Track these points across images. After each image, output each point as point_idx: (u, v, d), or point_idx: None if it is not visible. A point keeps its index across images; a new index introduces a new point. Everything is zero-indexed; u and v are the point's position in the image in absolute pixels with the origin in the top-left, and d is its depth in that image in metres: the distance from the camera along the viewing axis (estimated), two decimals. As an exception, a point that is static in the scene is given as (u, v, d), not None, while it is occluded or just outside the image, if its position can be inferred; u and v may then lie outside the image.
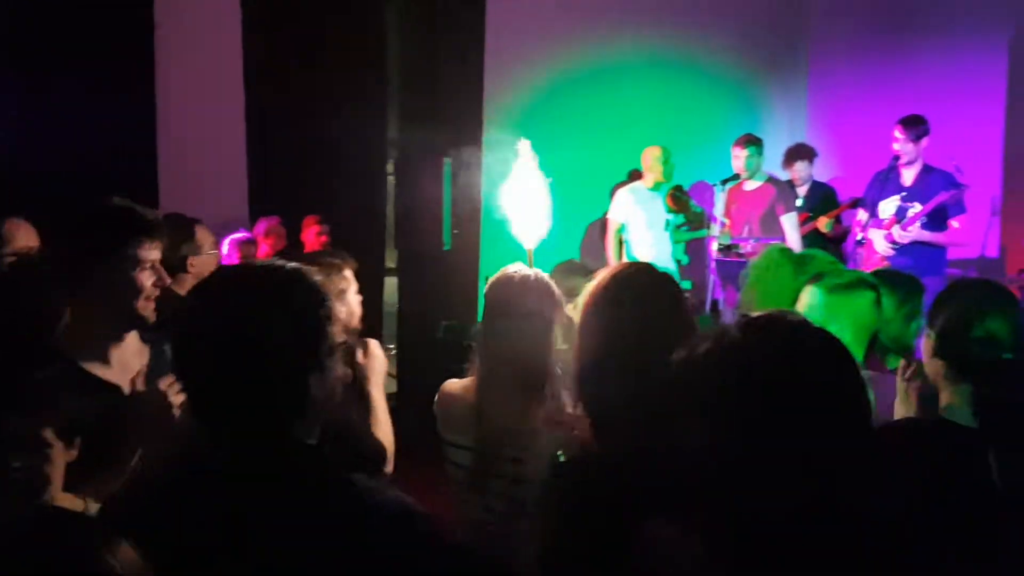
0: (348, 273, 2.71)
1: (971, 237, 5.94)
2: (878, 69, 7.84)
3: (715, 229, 5.73)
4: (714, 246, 5.63)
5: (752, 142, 6.11)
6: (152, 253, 2.10)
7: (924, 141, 5.51)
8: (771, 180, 6.25)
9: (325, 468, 1.42)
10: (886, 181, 5.59)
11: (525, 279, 2.26)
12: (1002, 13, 7.25)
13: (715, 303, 5.56)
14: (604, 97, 6.77)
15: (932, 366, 2.01)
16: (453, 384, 2.36)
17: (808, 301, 2.46)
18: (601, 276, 1.89)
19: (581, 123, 6.63)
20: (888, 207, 5.58)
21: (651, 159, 6.25)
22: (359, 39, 6.08)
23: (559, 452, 1.78)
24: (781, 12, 7.92)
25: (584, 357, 1.80)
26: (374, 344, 2.67)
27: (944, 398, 1.96)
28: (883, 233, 5.53)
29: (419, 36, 6.31)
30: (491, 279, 2.36)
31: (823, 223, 6.40)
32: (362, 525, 1.33)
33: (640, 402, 1.49)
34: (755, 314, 1.22)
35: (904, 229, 5.43)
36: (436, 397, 2.38)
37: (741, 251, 5.52)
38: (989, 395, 1.85)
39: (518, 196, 2.45)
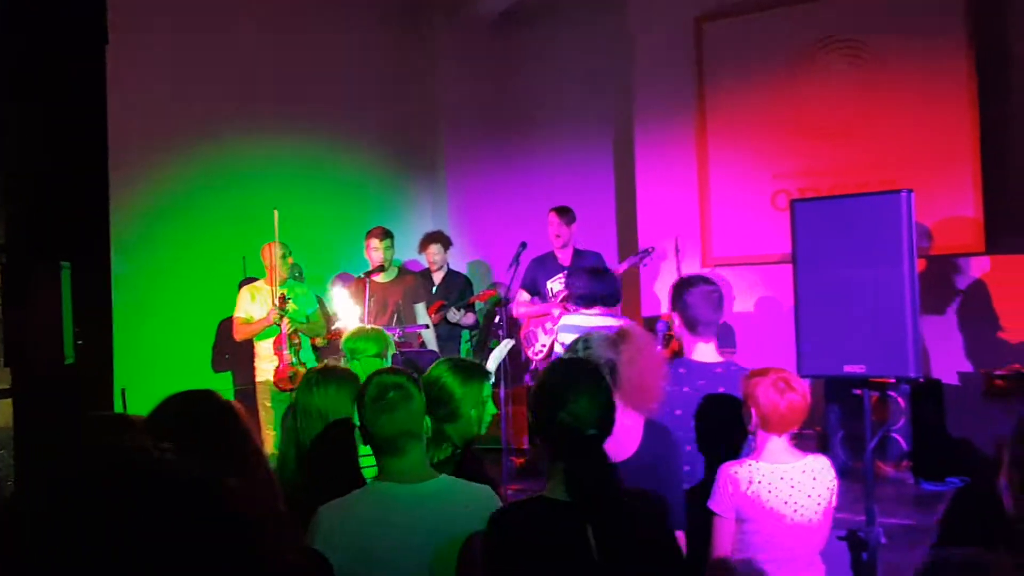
0: None
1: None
2: (503, 164, 8.51)
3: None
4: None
5: (388, 234, 6.28)
6: None
7: (574, 226, 6.17)
8: (407, 271, 6.50)
9: None
10: (544, 264, 6.18)
11: None
12: (604, 115, 8.21)
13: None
14: (247, 196, 6.60)
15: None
16: None
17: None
18: None
19: (217, 222, 6.42)
20: (555, 285, 6.19)
21: (273, 256, 5.95)
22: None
23: None
24: (418, 115, 8.33)
25: None
26: None
27: (548, 475, 2.04)
28: (558, 308, 6.04)
29: (28, 126, 5.76)
30: None
31: (452, 313, 6.68)
32: None
33: None
34: None
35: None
36: None
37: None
38: (577, 471, 1.92)
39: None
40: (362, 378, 3.39)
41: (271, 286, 5.89)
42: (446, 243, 7.11)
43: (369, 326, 3.88)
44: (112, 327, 5.81)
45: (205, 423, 1.71)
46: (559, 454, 2.00)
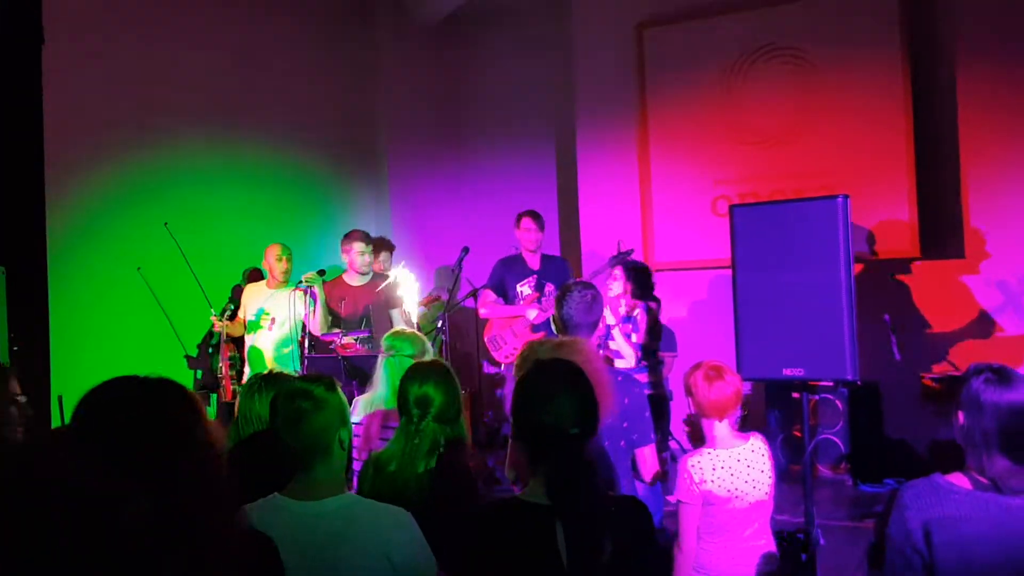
0: None
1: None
2: (446, 168, 8.52)
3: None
4: (306, 343, 5.63)
5: (364, 237, 6.16)
6: None
7: (543, 232, 6.30)
8: (379, 275, 6.42)
9: None
10: (512, 266, 6.23)
11: None
12: (547, 119, 8.27)
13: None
14: (185, 197, 6.49)
15: (515, 447, 2.08)
16: None
17: None
18: None
19: (156, 224, 6.26)
20: (525, 288, 6.25)
21: (271, 257, 6.05)
22: None
23: None
24: (361, 118, 8.28)
25: None
26: None
27: (531, 477, 2.01)
28: (535, 310, 6.13)
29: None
30: None
31: None
32: None
33: None
34: None
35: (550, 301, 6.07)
36: None
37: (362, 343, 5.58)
38: (556, 471, 1.92)
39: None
40: (394, 377, 3.25)
41: (270, 288, 6.00)
42: (393, 250, 7.13)
43: (408, 328, 3.86)
44: (49, 331, 5.68)
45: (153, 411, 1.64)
46: (540, 455, 1.97)
